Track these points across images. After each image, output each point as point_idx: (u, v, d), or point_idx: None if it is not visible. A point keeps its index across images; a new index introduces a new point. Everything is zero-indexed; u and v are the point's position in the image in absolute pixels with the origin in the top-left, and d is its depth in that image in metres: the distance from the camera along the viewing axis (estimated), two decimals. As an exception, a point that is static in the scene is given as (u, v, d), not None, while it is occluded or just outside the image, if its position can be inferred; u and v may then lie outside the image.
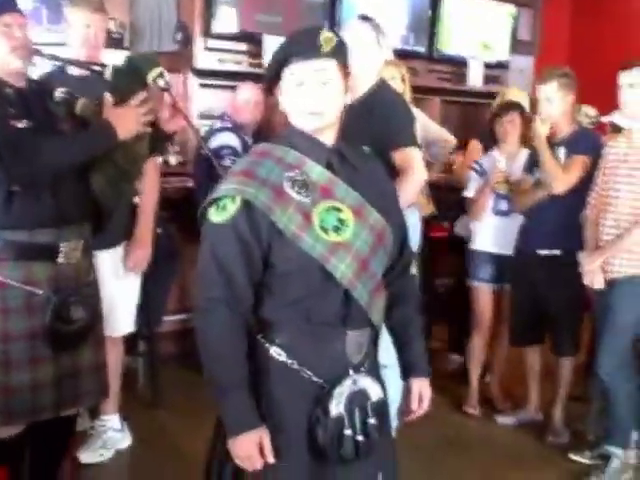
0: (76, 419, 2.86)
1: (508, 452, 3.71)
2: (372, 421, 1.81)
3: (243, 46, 5.57)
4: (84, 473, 3.35)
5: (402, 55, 5.31)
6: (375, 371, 1.92)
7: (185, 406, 4.03)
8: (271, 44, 5.54)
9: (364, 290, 1.80)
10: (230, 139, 4.30)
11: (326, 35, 1.77)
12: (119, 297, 3.34)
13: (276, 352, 1.80)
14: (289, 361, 1.79)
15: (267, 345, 1.81)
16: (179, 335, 4.72)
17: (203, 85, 5.45)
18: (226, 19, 5.36)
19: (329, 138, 1.85)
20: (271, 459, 1.77)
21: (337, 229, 1.77)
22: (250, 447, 1.75)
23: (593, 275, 3.41)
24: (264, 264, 1.78)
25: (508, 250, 4.04)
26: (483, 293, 4.16)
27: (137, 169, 2.67)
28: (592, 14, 8.44)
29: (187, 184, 4.68)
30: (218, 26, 5.33)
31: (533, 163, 3.82)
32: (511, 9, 6.93)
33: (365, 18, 3.36)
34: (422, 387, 2.01)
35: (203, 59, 5.39)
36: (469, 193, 4.23)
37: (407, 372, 2.02)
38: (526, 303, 3.89)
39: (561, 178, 3.64)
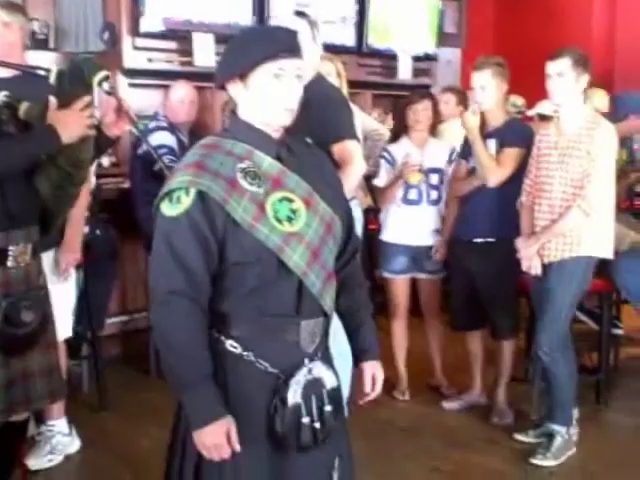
0: (27, 424, 2.81)
1: (455, 435, 3.79)
2: (328, 408, 1.84)
3: (172, 44, 5.52)
4: (33, 479, 3.29)
5: (332, 49, 5.34)
6: (328, 359, 1.96)
7: (131, 408, 4.01)
8: (201, 42, 5.51)
9: (316, 279, 1.82)
10: (166, 138, 4.27)
11: (298, 37, 1.87)
12: (55, 302, 3.27)
13: (231, 345, 1.81)
14: (245, 353, 1.81)
15: (222, 339, 1.82)
16: (122, 337, 4.68)
17: (133, 85, 5.37)
18: (154, 17, 5.29)
19: (277, 131, 1.87)
20: (238, 447, 1.78)
21: (290, 219, 1.80)
22: (218, 436, 1.76)
23: (530, 260, 3.50)
24: (219, 256, 1.79)
25: (420, 241, 4.12)
26: (396, 284, 4.22)
27: (82, 173, 2.63)
28: (516, 5, 8.64)
29: (122, 185, 4.63)
30: (146, 25, 5.26)
31: (467, 150, 3.89)
32: (436, 2, 7.03)
33: (301, 14, 3.38)
34: (375, 369, 2.04)
35: (132, 58, 5.32)
36: (380, 182, 4.24)
37: (359, 356, 2.05)
38: (464, 290, 3.97)
39: (495, 172, 3.72)
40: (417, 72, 6.87)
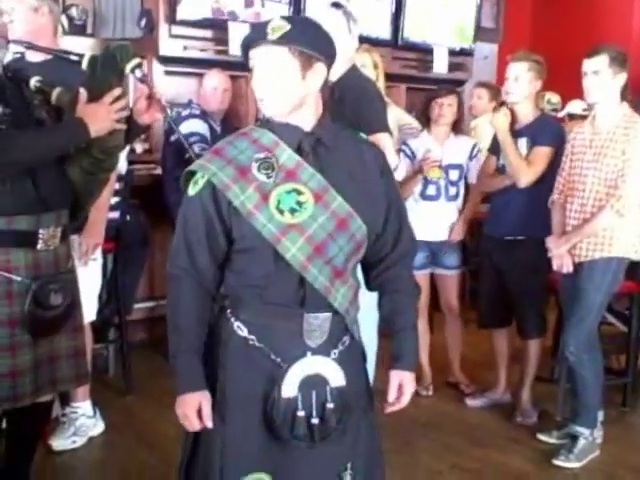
0: (52, 406, 2.85)
1: (477, 433, 3.77)
2: (330, 406, 1.83)
3: (208, 33, 5.55)
4: (57, 460, 3.34)
5: (367, 42, 5.32)
6: (349, 359, 1.90)
7: (155, 392, 4.02)
8: (237, 31, 5.53)
9: (320, 274, 1.81)
10: (198, 126, 4.29)
11: (274, 24, 1.80)
12: (80, 285, 3.31)
13: (239, 327, 1.86)
14: (250, 337, 1.85)
15: (232, 319, 1.87)
16: (149, 322, 4.72)
17: (168, 72, 5.42)
18: (191, 5, 5.32)
19: (306, 122, 1.86)
20: (209, 424, 1.82)
21: (293, 211, 1.79)
22: (188, 408, 1.82)
23: (561, 259, 3.47)
24: (228, 240, 1.84)
25: (438, 236, 4.10)
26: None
27: (112, 160, 2.65)
28: (554, 1, 8.55)
29: (154, 171, 4.66)
30: (183, 12, 5.30)
31: (497, 146, 3.85)
32: (474, -3, 6.97)
33: (337, 5, 3.37)
34: (403, 380, 1.98)
35: (168, 46, 5.36)
36: (398, 176, 4.20)
37: (392, 363, 2.01)
38: (492, 287, 3.96)
39: (525, 172, 3.68)
40: (452, 66, 6.83)
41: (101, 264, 3.54)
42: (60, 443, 3.40)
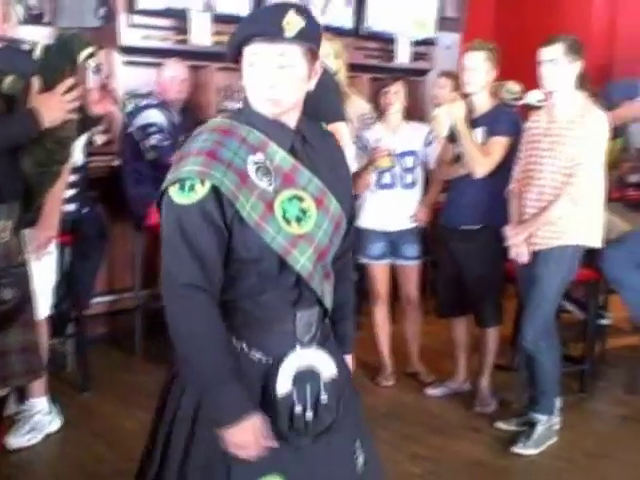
0: (5, 401, 2.81)
1: (437, 422, 3.79)
2: (324, 398, 1.76)
3: (169, 22, 5.48)
4: (12, 458, 3.30)
5: (330, 32, 5.30)
6: (330, 348, 1.86)
7: (114, 388, 4.01)
8: (197, 20, 5.48)
9: (319, 278, 1.77)
10: (156, 116, 4.25)
11: (291, 17, 1.65)
12: (35, 279, 3.26)
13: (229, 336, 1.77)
14: (238, 343, 1.76)
15: None
16: (109, 317, 4.68)
17: (128, 62, 5.33)
18: (151, -5, 5.26)
19: (292, 120, 1.76)
20: (275, 443, 1.72)
21: (299, 220, 1.71)
22: (249, 434, 1.69)
23: (518, 248, 3.49)
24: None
25: (396, 226, 4.11)
26: (375, 270, 4.21)
27: (65, 151, 2.61)
28: (516, -9, 8.59)
29: (113, 163, 4.61)
30: (143, 1, 5.22)
31: (455, 134, 3.85)
32: (437, -14, 6.97)
33: None
34: (350, 363, 2.04)
35: (127, 36, 5.26)
36: (352, 168, 4.20)
37: (342, 347, 2.00)
38: (450, 276, 3.97)
39: (482, 163, 3.69)
40: (416, 56, 6.82)
41: (56, 258, 3.49)
42: (16, 441, 3.35)
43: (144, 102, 4.42)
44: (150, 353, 4.42)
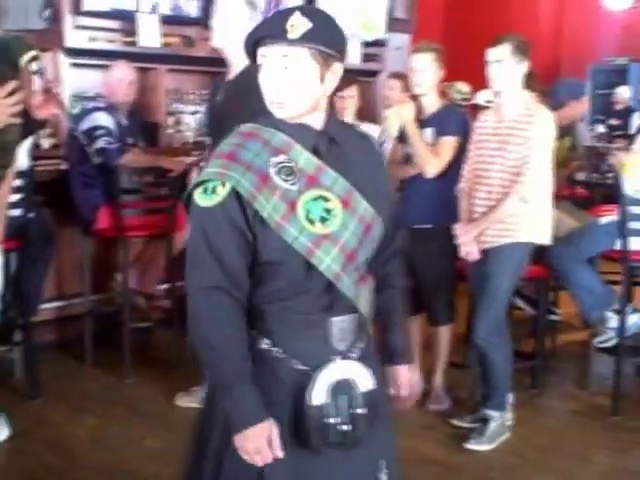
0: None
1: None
2: (360, 410, 1.72)
3: (116, 24, 5.43)
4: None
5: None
6: (367, 358, 1.81)
7: (65, 396, 3.95)
8: (145, 22, 5.42)
9: (351, 282, 1.72)
10: (103, 119, 4.20)
11: (296, 19, 1.64)
12: None
13: (260, 339, 1.74)
14: (274, 349, 1.73)
15: (253, 332, 1.74)
16: (58, 323, 4.59)
17: (74, 65, 5.27)
18: (97, -4, 5.19)
19: (317, 121, 1.73)
20: (280, 453, 1.68)
21: (324, 220, 1.68)
22: (260, 440, 1.67)
23: (468, 246, 3.51)
24: (252, 251, 1.70)
25: None
26: None
27: (9, 156, 2.55)
28: (464, -7, 8.68)
29: (60, 167, 4.53)
30: (88, 3, 5.15)
31: (404, 135, 3.86)
32: (387, -13, 7.00)
33: None
34: (410, 373, 1.97)
35: (73, 37, 5.21)
36: None
37: (391, 359, 1.95)
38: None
39: (432, 163, 3.70)
40: (366, 57, 6.85)
41: (2, 264, 3.41)
42: (-38, 451, 3.28)
43: (91, 105, 4.36)
44: (100, 359, 4.36)
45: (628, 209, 3.68)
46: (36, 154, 4.14)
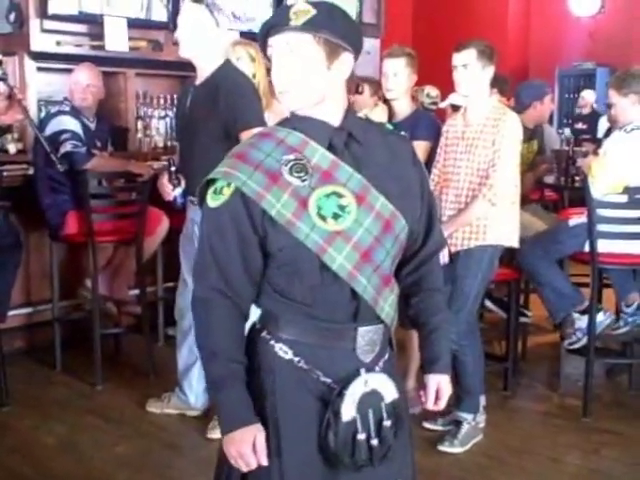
0: None
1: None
2: (387, 423, 1.68)
3: (83, 27, 5.38)
4: None
5: (252, 37, 5.27)
6: (390, 370, 1.76)
7: (34, 403, 3.90)
8: (113, 26, 5.38)
9: (368, 284, 1.65)
10: (68, 123, 4.16)
11: (298, 8, 1.63)
12: None
13: (282, 349, 1.68)
14: (295, 359, 1.68)
15: (272, 342, 1.69)
16: (27, 329, 4.53)
17: (41, 69, 5.22)
18: (64, -1, 5.14)
19: (333, 116, 1.69)
20: (264, 461, 1.64)
21: (336, 216, 1.62)
22: (243, 445, 1.63)
23: (438, 249, 3.52)
24: (263, 253, 1.66)
25: None
26: None
27: None
28: (433, -3, 8.74)
29: (28, 172, 4.47)
30: (55, 6, 5.10)
31: None
32: (355, -8, 7.03)
33: None
34: (441, 384, 1.87)
35: (40, 41, 5.15)
36: None
37: (426, 366, 1.89)
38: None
39: None
40: (336, 61, 6.84)
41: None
42: None
43: (55, 108, 4.31)
44: (70, 366, 4.31)
45: (596, 212, 3.71)
46: (3, 159, 4.09)
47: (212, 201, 1.66)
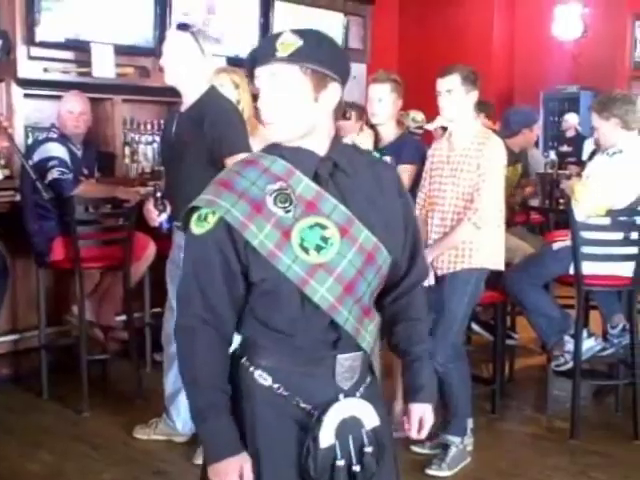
0: None
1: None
2: (369, 450, 1.68)
3: (70, 54, 5.42)
4: None
5: (235, 63, 5.31)
6: (372, 397, 1.75)
7: (20, 430, 3.87)
8: (100, 52, 5.42)
9: (350, 315, 1.65)
10: (56, 150, 4.17)
11: (286, 38, 1.62)
12: None
13: (261, 376, 1.68)
14: (275, 385, 1.67)
15: (252, 368, 1.69)
16: (12, 357, 4.51)
17: (28, 95, 5.25)
18: (51, 26, 5.17)
19: (320, 146, 1.68)
20: None
21: (319, 248, 1.61)
22: (230, 476, 1.62)
23: (424, 272, 3.53)
24: (246, 282, 1.65)
25: None
26: None
27: None
28: (420, 22, 8.83)
29: (14, 198, 4.48)
30: (42, 34, 5.14)
31: None
32: (341, 18, 7.10)
33: (183, 26, 3.35)
34: (425, 413, 1.86)
35: (27, 68, 5.19)
36: None
37: (409, 395, 1.87)
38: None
39: None
40: (322, 86, 6.89)
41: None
42: None
43: (43, 135, 4.32)
44: (56, 393, 4.28)
45: (579, 234, 3.74)
46: (-11, 185, 4.10)
47: (196, 228, 1.65)
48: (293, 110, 1.64)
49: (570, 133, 8.70)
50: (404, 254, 1.80)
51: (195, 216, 1.66)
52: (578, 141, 8.31)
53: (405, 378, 1.89)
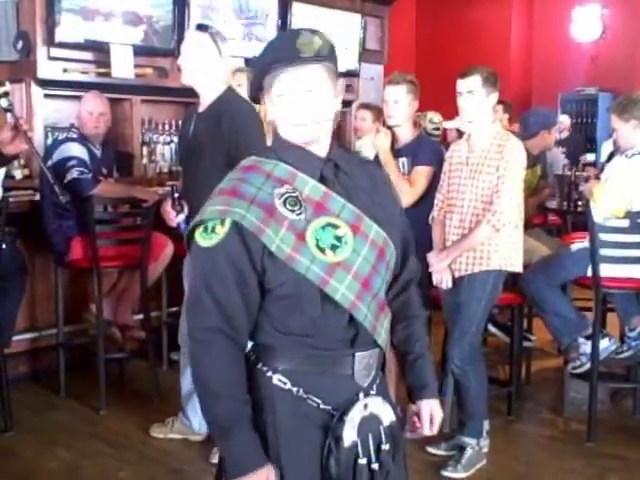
0: None
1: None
2: (386, 447, 1.69)
3: (89, 55, 5.45)
4: None
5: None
6: (384, 393, 1.78)
7: (38, 428, 3.89)
8: (119, 53, 5.45)
9: (368, 311, 1.66)
10: (75, 150, 4.20)
11: (304, 38, 1.63)
12: None
13: (280, 380, 1.67)
14: (294, 389, 1.66)
15: (270, 374, 1.68)
16: (31, 355, 4.54)
17: (48, 95, 5.28)
18: (71, 27, 5.20)
19: (321, 148, 1.70)
20: None
21: (335, 247, 1.62)
22: None
23: (441, 274, 3.53)
24: (261, 289, 1.65)
25: None
26: None
27: None
28: (437, 23, 8.81)
29: (34, 198, 4.51)
30: (62, 34, 5.17)
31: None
32: (359, 18, 7.10)
33: (202, 27, 3.36)
34: (433, 409, 1.88)
35: (46, 68, 5.22)
36: None
37: (416, 393, 1.89)
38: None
39: (407, 192, 3.70)
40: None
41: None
42: None
43: (63, 135, 4.36)
44: (74, 391, 4.30)
45: (598, 236, 3.72)
46: (9, 185, 4.12)
47: (204, 241, 1.63)
48: (322, 109, 1.66)
49: (564, 135, 8.63)
50: (400, 248, 1.82)
51: (201, 229, 1.64)
52: (571, 143, 8.20)
53: (408, 377, 1.90)
